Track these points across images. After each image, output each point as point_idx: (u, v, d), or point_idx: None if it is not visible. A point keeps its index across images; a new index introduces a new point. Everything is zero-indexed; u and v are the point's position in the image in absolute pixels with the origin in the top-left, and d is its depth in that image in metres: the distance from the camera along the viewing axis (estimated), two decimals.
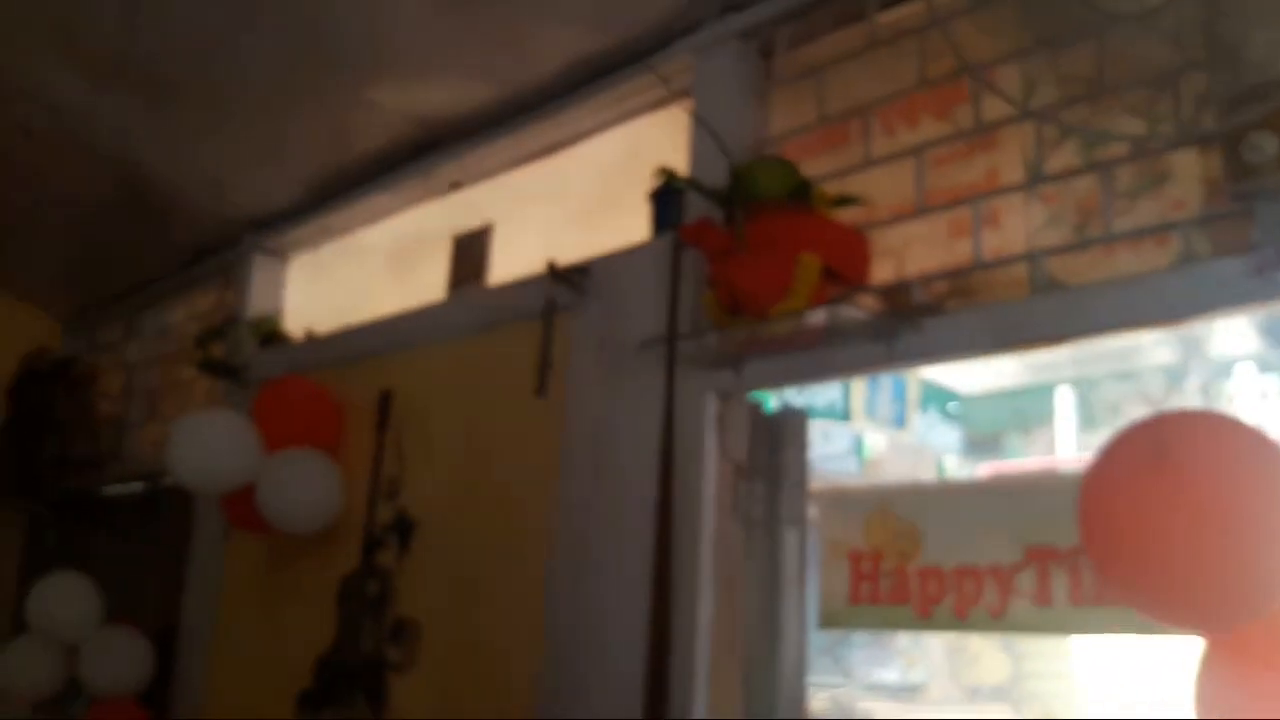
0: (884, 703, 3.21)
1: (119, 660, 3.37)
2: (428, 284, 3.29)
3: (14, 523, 4.90)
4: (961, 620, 1.83)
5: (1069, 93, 1.89)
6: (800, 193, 2.03)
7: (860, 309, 1.93)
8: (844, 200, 2.08)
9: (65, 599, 3.44)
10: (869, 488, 2.00)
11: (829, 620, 1.97)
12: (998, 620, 1.80)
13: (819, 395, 2.93)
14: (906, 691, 3.31)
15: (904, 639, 3.22)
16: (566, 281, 2.55)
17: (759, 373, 2.12)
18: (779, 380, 2.13)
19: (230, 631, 3.40)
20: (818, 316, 1.90)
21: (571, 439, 2.47)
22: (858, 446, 3.18)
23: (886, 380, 3.15)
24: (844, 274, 2.00)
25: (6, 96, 3.43)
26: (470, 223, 3.22)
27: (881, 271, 2.09)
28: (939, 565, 1.86)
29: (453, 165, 3.17)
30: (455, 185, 3.26)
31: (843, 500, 2.01)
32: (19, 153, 3.76)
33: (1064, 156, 1.89)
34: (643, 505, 2.23)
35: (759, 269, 1.93)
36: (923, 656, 3.29)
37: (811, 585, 2.13)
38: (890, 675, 3.29)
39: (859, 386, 3.00)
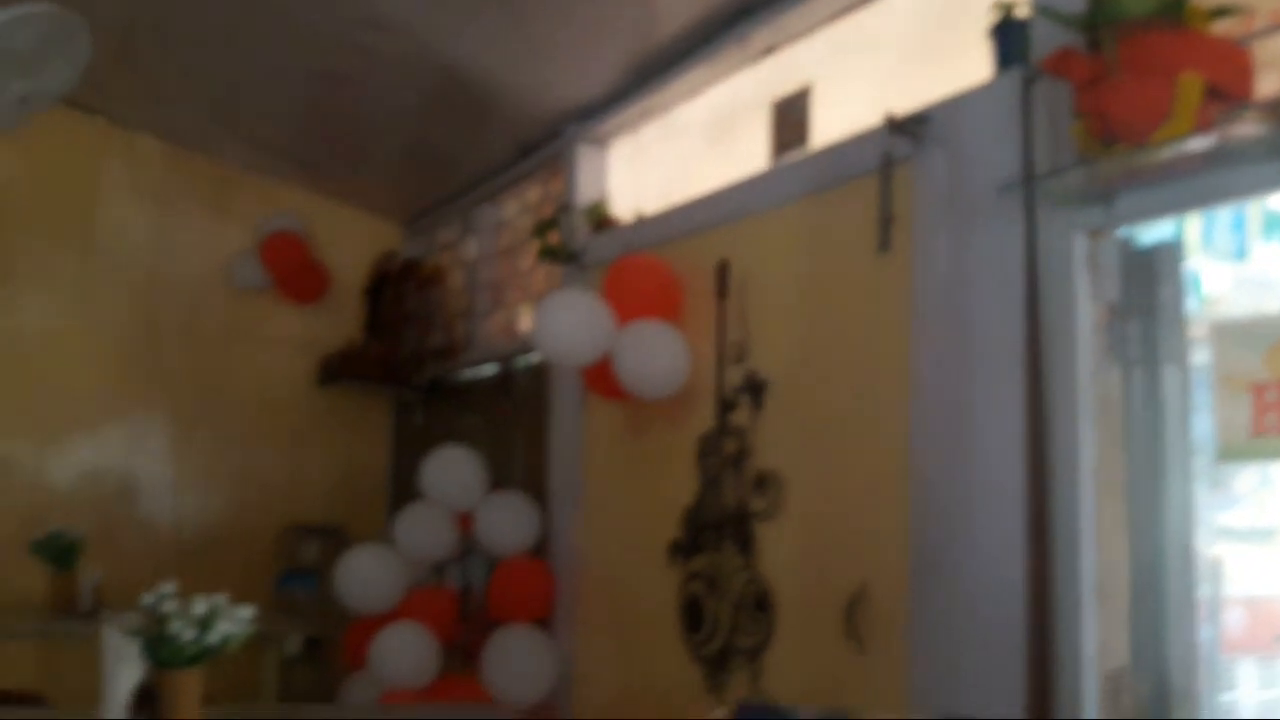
0: (1234, 545, 3.08)
1: (509, 522, 3.76)
2: (748, 154, 3.36)
3: (383, 408, 5.52)
4: None
5: None
6: (1172, 8, 1.91)
7: (1250, 127, 1.82)
8: (1221, 11, 1.94)
9: (455, 471, 3.86)
10: (1267, 317, 1.91)
11: (1228, 454, 1.92)
12: None
13: (1147, 232, 2.78)
14: (1256, 536, 3.16)
15: (1251, 481, 3.06)
16: (905, 132, 2.54)
17: (1131, 206, 2.05)
18: (1155, 212, 2.05)
19: (597, 491, 3.71)
20: (1204, 140, 1.81)
21: (922, 291, 2.49)
22: (1195, 282, 3.01)
23: (1224, 209, 2.93)
24: (1227, 91, 1.88)
25: (343, 22, 3.73)
26: (787, 87, 3.23)
27: (1266, 86, 1.95)
28: None
29: (766, 29, 3.18)
30: (770, 50, 3.28)
31: (1238, 332, 1.94)
32: (356, 73, 4.10)
33: None
34: (1008, 353, 2.23)
35: (1134, 94, 1.85)
36: (1273, 499, 3.12)
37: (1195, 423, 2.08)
38: (1238, 519, 3.15)
39: (1194, 218, 2.82)
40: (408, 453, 5.42)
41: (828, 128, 3.06)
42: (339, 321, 5.33)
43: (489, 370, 4.64)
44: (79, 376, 4.94)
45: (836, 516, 2.71)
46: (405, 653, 3.72)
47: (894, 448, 2.52)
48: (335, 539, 5.09)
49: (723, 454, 3.09)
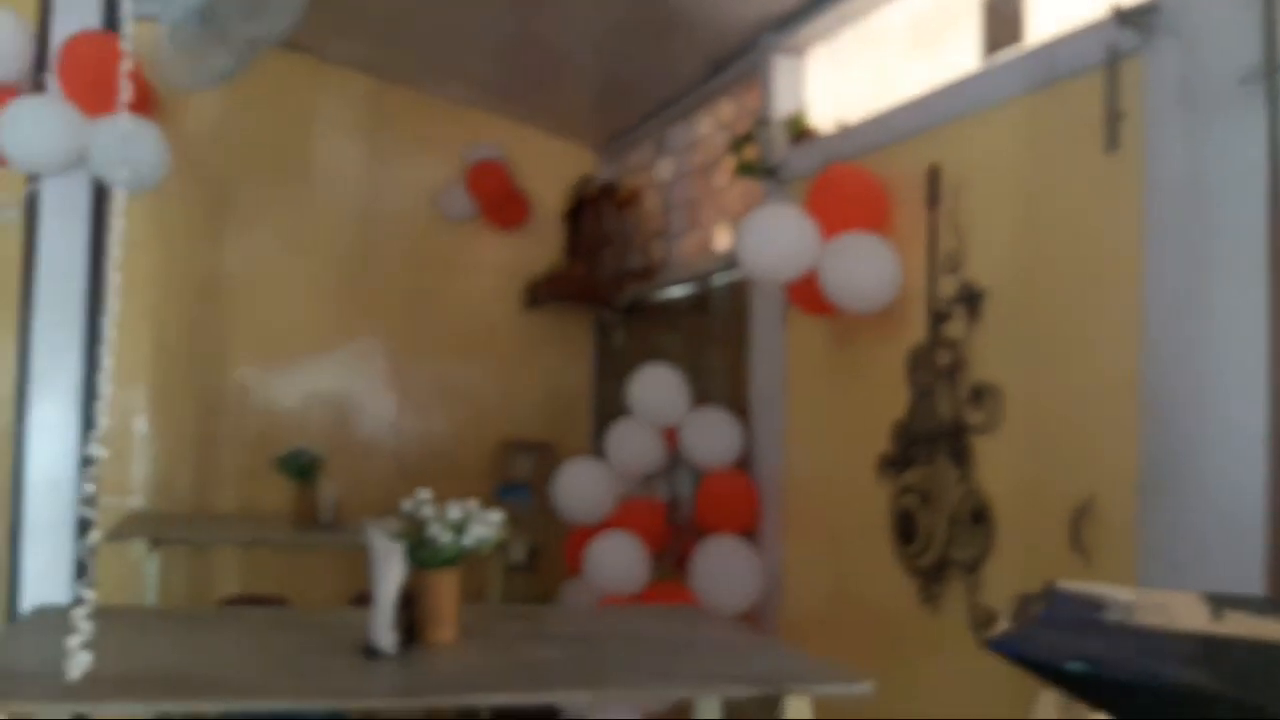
0: None
1: (713, 436, 3.85)
2: (954, 56, 3.25)
3: (585, 329, 5.69)
4: None
5: None
6: None
7: None
8: None
9: (660, 388, 3.96)
10: None
11: None
12: None
13: None
14: None
15: None
16: (1133, 23, 2.40)
17: None
18: None
19: (800, 406, 3.74)
20: None
21: (1156, 192, 2.38)
22: None
23: None
24: None
25: None
26: None
27: None
28: None
29: None
30: None
31: None
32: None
33: None
34: (1249, 255, 2.11)
35: None
36: None
37: None
38: None
39: None
40: (609, 371, 5.59)
41: (1042, 24, 2.93)
42: (541, 246, 5.50)
43: (686, 289, 4.70)
44: (303, 307, 5.29)
45: (1060, 428, 2.65)
46: (618, 560, 3.88)
47: (1123, 356, 2.44)
48: (545, 453, 5.33)
49: (936, 367, 3.05)
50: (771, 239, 3.14)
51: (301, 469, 4.08)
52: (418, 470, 5.29)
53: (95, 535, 1.88)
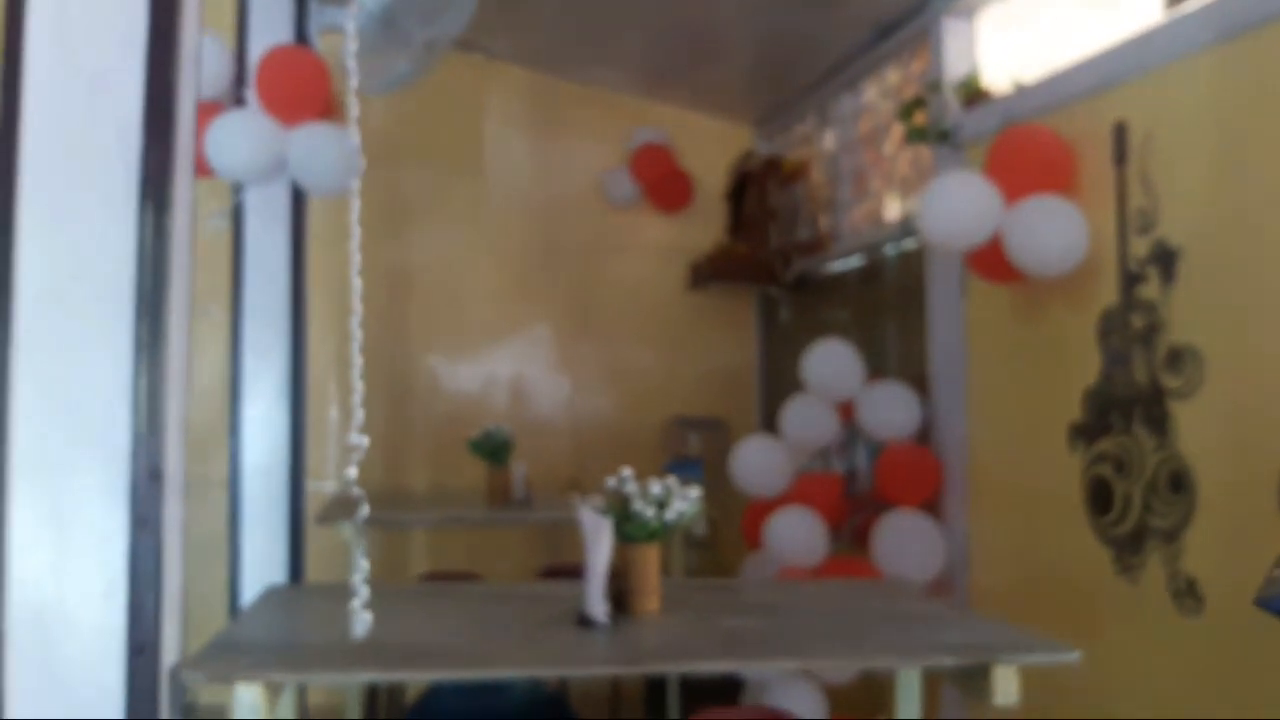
0: None
1: (890, 409, 3.83)
2: (1133, 9, 3.12)
3: (750, 307, 5.72)
4: None
5: None
6: None
7: None
8: None
9: (834, 362, 3.96)
10: None
11: None
12: None
13: None
14: None
15: None
16: None
17: None
18: None
19: (981, 376, 3.68)
20: None
21: None
22: None
23: None
24: None
25: None
26: None
27: None
28: None
29: None
30: None
31: None
32: None
33: None
34: None
35: None
36: None
37: None
38: None
39: None
40: (776, 348, 5.61)
41: None
42: (704, 226, 5.56)
43: (855, 262, 4.66)
44: (481, 295, 5.51)
45: (1264, 390, 2.54)
46: (797, 534, 3.90)
47: None
48: (714, 430, 5.39)
49: (1129, 331, 2.96)
50: (953, 206, 3.10)
51: (494, 450, 4.26)
52: (592, 448, 5.45)
53: (364, 510, 2.03)
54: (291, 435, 3.58)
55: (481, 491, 4.47)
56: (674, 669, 1.76)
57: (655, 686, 3.99)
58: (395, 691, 3.95)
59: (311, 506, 3.98)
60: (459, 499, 4.56)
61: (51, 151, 1.67)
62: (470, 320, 5.49)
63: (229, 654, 1.79)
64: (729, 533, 4.89)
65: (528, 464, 4.47)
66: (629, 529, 2.07)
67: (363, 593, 1.91)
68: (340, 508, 3.85)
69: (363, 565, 1.95)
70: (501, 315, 5.52)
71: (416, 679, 1.90)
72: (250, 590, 3.35)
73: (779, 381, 5.44)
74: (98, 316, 1.65)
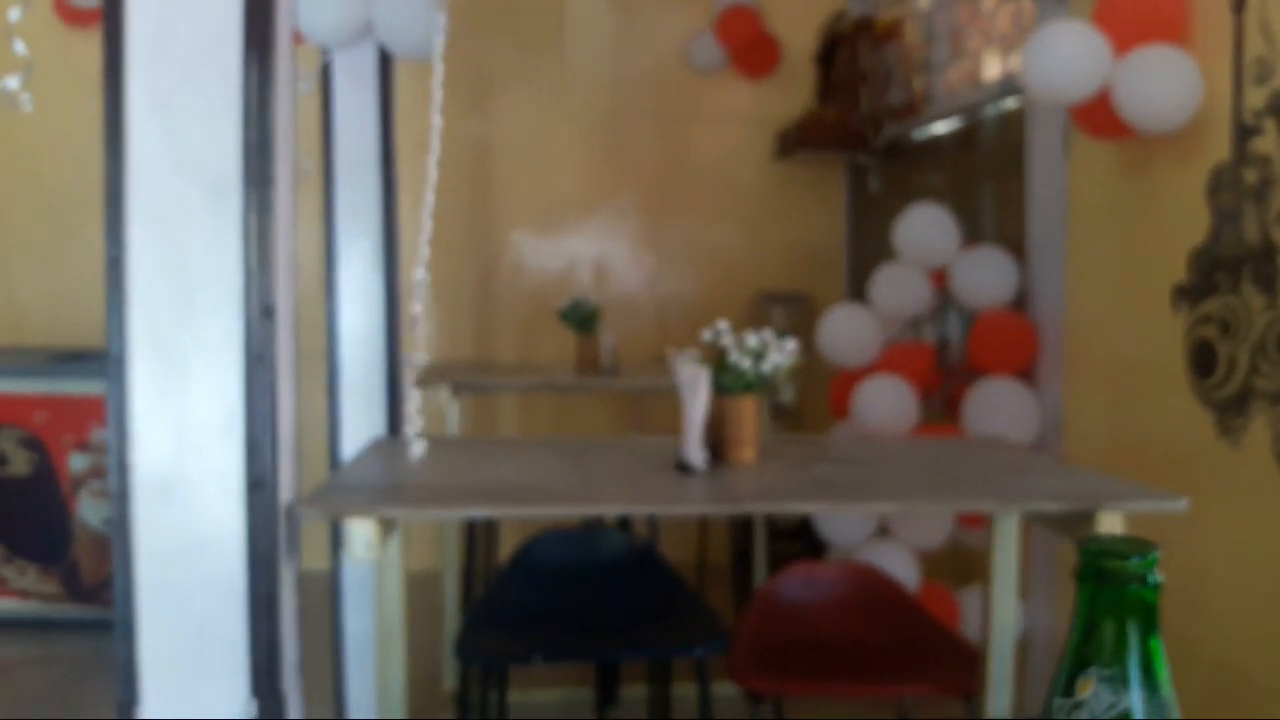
0: None
1: (985, 275, 3.75)
2: None
3: (837, 176, 5.60)
4: None
5: None
6: None
7: None
8: None
9: (928, 227, 3.87)
10: None
11: None
12: None
13: None
14: None
15: None
16: None
17: None
18: None
19: (1082, 239, 3.58)
20: None
21: None
22: None
23: None
24: None
25: None
26: None
27: None
28: None
29: None
30: None
31: None
32: None
33: None
34: None
35: None
36: None
37: None
38: None
39: None
40: (864, 217, 5.50)
41: None
42: (791, 93, 5.42)
43: (950, 125, 4.52)
44: (563, 169, 5.47)
45: None
46: (887, 402, 3.89)
47: None
48: (799, 304, 5.35)
49: (1241, 187, 2.84)
50: (1059, 58, 2.96)
51: (582, 319, 4.29)
52: (676, 323, 5.46)
53: (423, 357, 2.08)
54: (386, 301, 3.63)
55: (568, 363, 4.52)
56: (773, 509, 1.78)
57: (742, 556, 4.06)
58: (491, 553, 4.09)
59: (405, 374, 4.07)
60: (546, 369, 4.62)
61: (160, 19, 1.68)
62: (553, 195, 5.47)
63: (340, 494, 1.85)
64: (813, 407, 4.90)
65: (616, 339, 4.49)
66: (725, 381, 2.08)
67: (416, 421, 1.96)
68: (433, 372, 3.94)
69: (415, 395, 2.00)
70: (584, 189, 5.49)
71: (523, 515, 1.95)
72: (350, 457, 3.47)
73: (867, 254, 5.35)
74: (208, 164, 1.67)
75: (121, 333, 1.66)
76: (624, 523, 3.40)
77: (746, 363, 2.06)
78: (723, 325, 2.13)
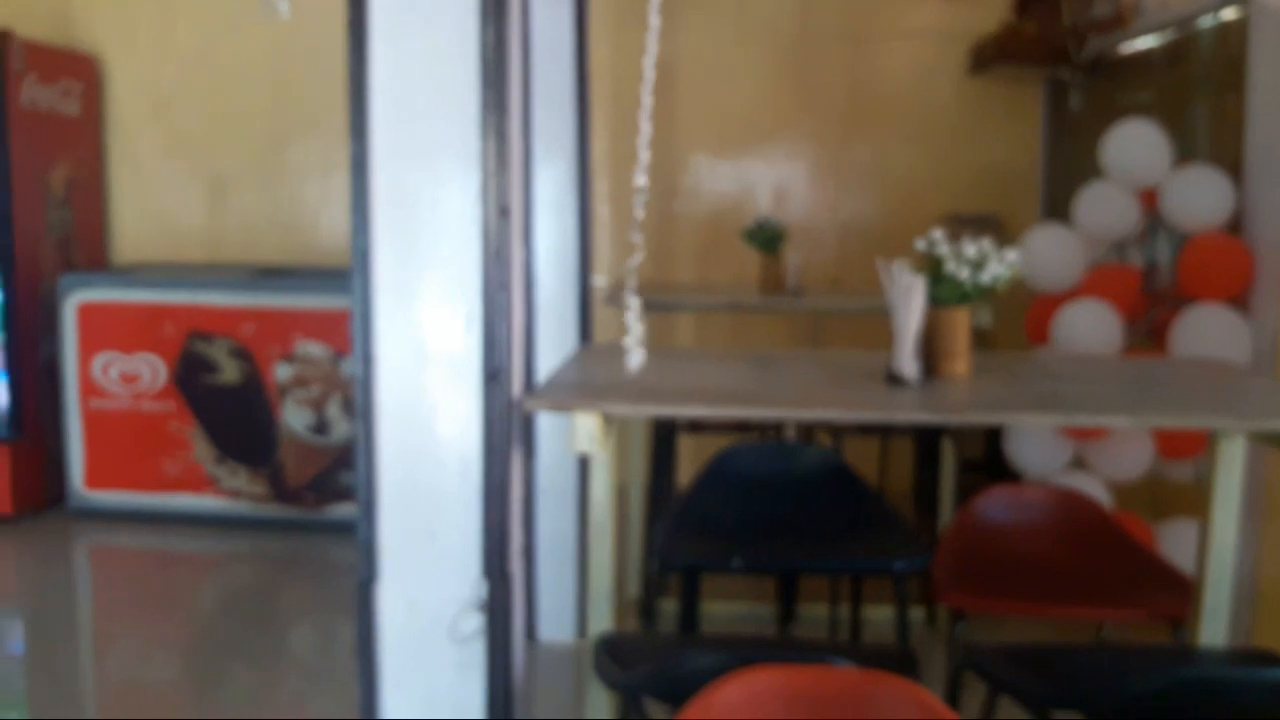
0: None
1: (1198, 196, 3.55)
2: None
3: (1035, 94, 5.36)
4: None
5: None
6: None
7: None
8: None
9: (1138, 145, 3.68)
10: None
11: None
12: None
13: None
14: None
15: None
16: None
17: None
18: None
19: None
20: None
21: None
22: None
23: None
24: None
25: None
26: None
27: None
28: None
29: None
30: None
31: None
32: None
33: None
34: None
35: None
36: None
37: None
38: None
39: None
40: (1063, 137, 5.26)
41: None
42: (986, 6, 5.18)
43: (1161, 38, 4.25)
44: (746, 90, 5.42)
45: None
46: (1089, 327, 3.74)
47: None
48: (989, 228, 5.16)
49: None
50: None
51: (768, 239, 4.27)
52: (856, 249, 5.37)
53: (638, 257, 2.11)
54: (579, 221, 3.69)
55: (747, 284, 4.51)
56: (994, 420, 1.75)
57: (922, 486, 4.00)
58: (669, 473, 4.16)
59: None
60: (727, 290, 4.63)
61: None
62: (735, 116, 5.43)
63: (564, 390, 1.92)
64: (1007, 333, 4.75)
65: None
66: (940, 291, 2.04)
67: (636, 328, 2.00)
68: (615, 290, 4.01)
69: (635, 302, 2.03)
70: (766, 110, 5.42)
71: (741, 415, 1.98)
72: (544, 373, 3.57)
73: (1065, 175, 5.12)
74: (448, 77, 1.73)
75: (365, 228, 1.74)
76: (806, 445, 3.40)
77: (964, 273, 2.01)
78: (937, 233, 2.08)
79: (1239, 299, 3.60)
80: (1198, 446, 3.49)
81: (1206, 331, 3.53)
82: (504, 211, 1.68)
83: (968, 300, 2.05)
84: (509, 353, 1.73)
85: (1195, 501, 3.47)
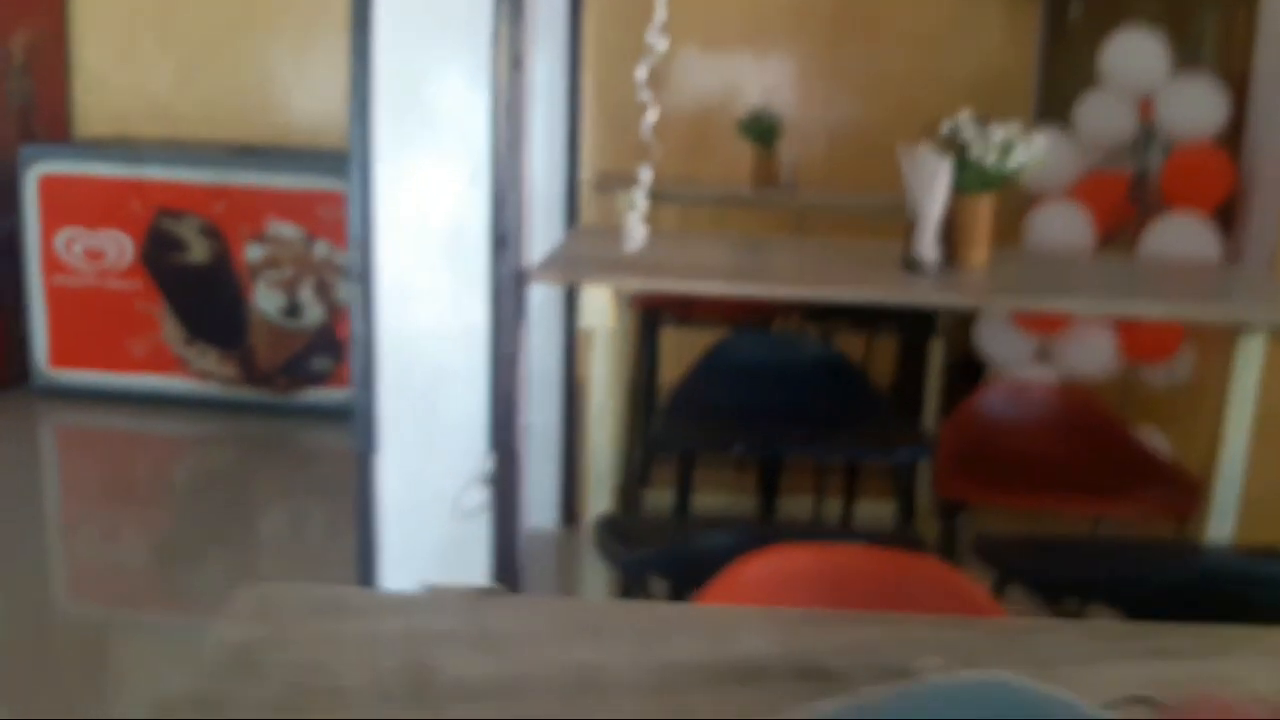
0: None
1: (1194, 104, 3.50)
2: None
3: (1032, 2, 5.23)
4: None
5: None
6: None
7: None
8: None
9: (1137, 52, 3.61)
10: None
11: None
12: None
13: None
14: None
15: None
16: None
17: None
18: None
19: None
20: None
21: None
22: None
23: None
24: None
25: None
26: None
27: None
28: None
29: None
30: None
31: None
32: None
33: None
34: None
35: None
36: None
37: None
38: None
39: None
40: (1059, 43, 5.14)
41: None
42: None
43: None
44: None
45: None
46: (1060, 229, 3.73)
47: None
48: None
49: None
50: None
51: (763, 130, 4.16)
52: (851, 148, 5.26)
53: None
54: (568, 110, 3.57)
55: (737, 179, 4.41)
56: (1012, 304, 1.70)
57: (900, 385, 3.98)
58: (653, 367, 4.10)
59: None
60: (715, 184, 4.52)
61: None
62: (724, 11, 5.25)
63: (571, 263, 1.84)
64: (1006, 227, 4.70)
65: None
66: (964, 178, 1.97)
67: (641, 204, 1.93)
68: (608, 180, 3.90)
69: (646, 175, 1.95)
70: (756, 6, 5.25)
71: (754, 292, 1.92)
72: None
73: (1061, 85, 5.02)
74: None
75: (365, 78, 1.64)
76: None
77: (991, 157, 1.94)
78: (964, 116, 2.01)
79: (1227, 212, 3.59)
80: (1170, 349, 3.51)
81: (1175, 240, 3.53)
82: (516, 62, 1.58)
83: (992, 187, 1.99)
84: (519, 217, 1.64)
85: (1165, 409, 3.50)
